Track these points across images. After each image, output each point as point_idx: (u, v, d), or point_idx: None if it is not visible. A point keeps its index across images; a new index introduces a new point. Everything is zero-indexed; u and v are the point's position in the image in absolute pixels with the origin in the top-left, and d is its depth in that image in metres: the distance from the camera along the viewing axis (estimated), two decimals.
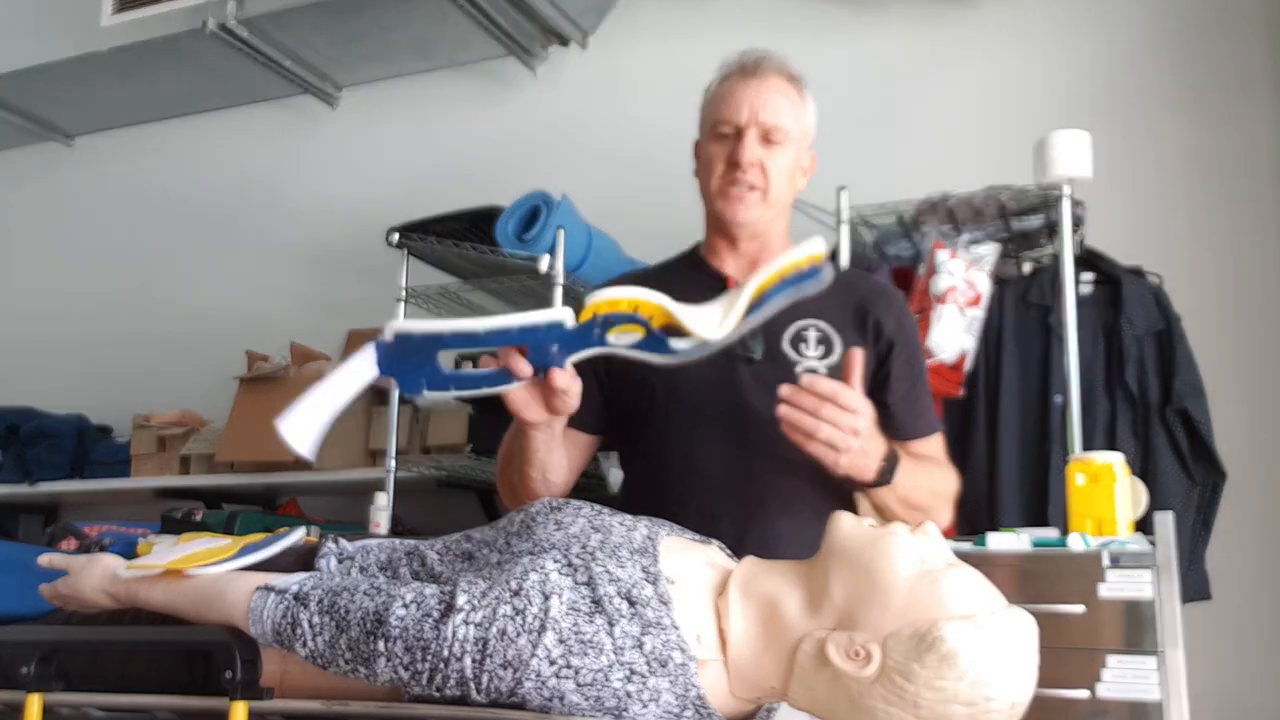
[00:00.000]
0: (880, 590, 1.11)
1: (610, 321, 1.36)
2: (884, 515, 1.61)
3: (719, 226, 1.73)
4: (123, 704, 1.29)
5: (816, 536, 1.34)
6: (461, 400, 1.31)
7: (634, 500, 1.61)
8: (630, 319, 1.36)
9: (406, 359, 1.39)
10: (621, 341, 1.36)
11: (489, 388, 1.38)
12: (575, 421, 1.58)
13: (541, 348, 1.36)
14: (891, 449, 1.53)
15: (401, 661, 1.11)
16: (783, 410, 1.40)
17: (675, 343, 1.35)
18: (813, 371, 1.62)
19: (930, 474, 1.65)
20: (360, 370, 1.38)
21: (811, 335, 1.66)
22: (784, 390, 1.40)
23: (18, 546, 1.67)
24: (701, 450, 1.62)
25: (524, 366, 1.35)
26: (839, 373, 1.60)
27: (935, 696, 1.06)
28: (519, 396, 1.41)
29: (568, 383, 1.39)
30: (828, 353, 1.65)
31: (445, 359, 1.40)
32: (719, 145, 1.68)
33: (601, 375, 1.66)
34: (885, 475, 1.51)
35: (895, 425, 1.65)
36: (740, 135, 1.65)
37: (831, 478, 1.51)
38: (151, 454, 3.75)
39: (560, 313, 1.37)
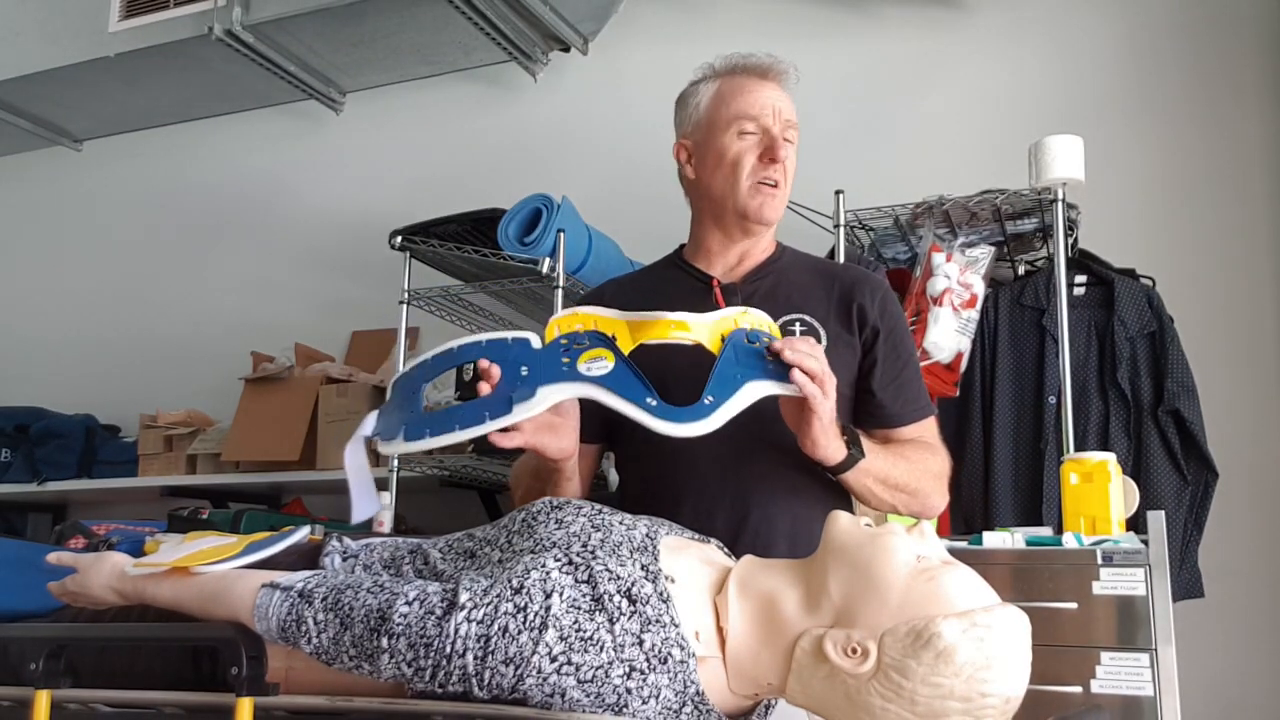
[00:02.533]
0: (877, 588, 1.12)
1: (575, 346, 1.36)
2: (870, 503, 1.61)
3: (735, 222, 1.70)
4: (130, 700, 1.30)
5: (810, 530, 1.35)
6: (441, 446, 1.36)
7: (631, 499, 1.63)
8: (596, 340, 1.36)
9: (391, 411, 1.42)
10: (594, 372, 1.36)
11: (461, 428, 1.36)
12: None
13: (512, 372, 1.36)
14: (848, 425, 1.53)
15: (405, 658, 1.13)
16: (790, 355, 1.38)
17: (650, 401, 1.35)
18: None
19: (908, 455, 1.63)
20: (360, 436, 1.44)
21: (796, 329, 1.64)
22: (777, 345, 1.39)
23: (26, 545, 1.67)
24: (693, 448, 1.61)
25: (490, 383, 1.36)
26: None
27: (931, 693, 1.07)
28: (547, 442, 1.46)
29: (528, 434, 1.43)
30: None
31: (434, 394, 1.43)
32: (742, 143, 1.66)
33: None
34: (853, 448, 1.50)
35: (884, 412, 1.65)
36: (768, 134, 1.64)
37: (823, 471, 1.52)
38: (158, 453, 3.77)
39: (526, 333, 1.40)
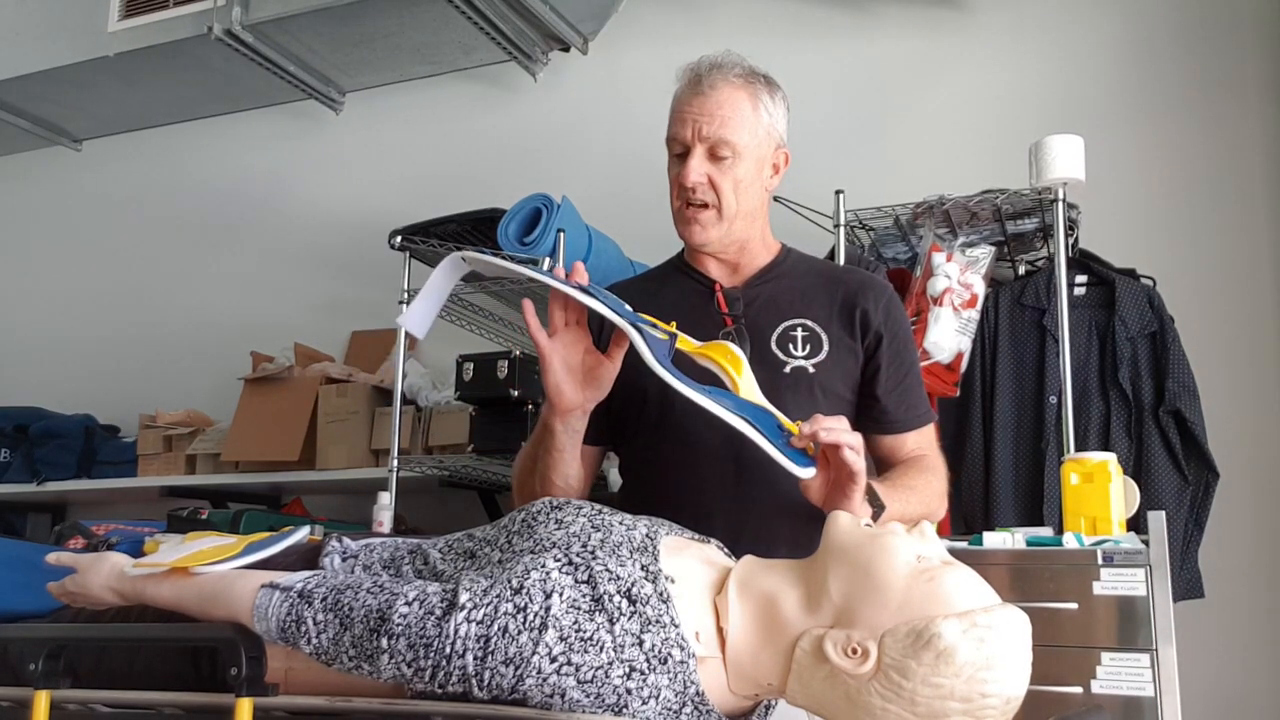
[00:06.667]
0: (877, 588, 1.12)
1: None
2: None
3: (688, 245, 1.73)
4: (129, 700, 1.30)
5: (810, 535, 1.34)
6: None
7: (632, 502, 1.61)
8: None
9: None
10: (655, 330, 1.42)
11: (615, 311, 1.45)
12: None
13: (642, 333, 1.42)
14: (869, 485, 1.48)
15: (404, 658, 1.12)
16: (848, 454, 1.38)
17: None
18: (800, 371, 1.62)
19: (915, 486, 1.62)
20: (449, 272, 1.52)
21: (798, 335, 1.64)
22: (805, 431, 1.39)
23: (26, 545, 1.67)
24: (695, 453, 1.61)
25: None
26: (827, 370, 1.61)
27: (931, 693, 1.07)
28: (561, 373, 1.49)
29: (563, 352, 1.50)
30: (815, 352, 1.64)
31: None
32: (673, 165, 1.66)
33: None
34: (875, 506, 1.48)
35: (887, 418, 1.65)
36: (686, 155, 1.63)
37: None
38: (158, 453, 3.77)
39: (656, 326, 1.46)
